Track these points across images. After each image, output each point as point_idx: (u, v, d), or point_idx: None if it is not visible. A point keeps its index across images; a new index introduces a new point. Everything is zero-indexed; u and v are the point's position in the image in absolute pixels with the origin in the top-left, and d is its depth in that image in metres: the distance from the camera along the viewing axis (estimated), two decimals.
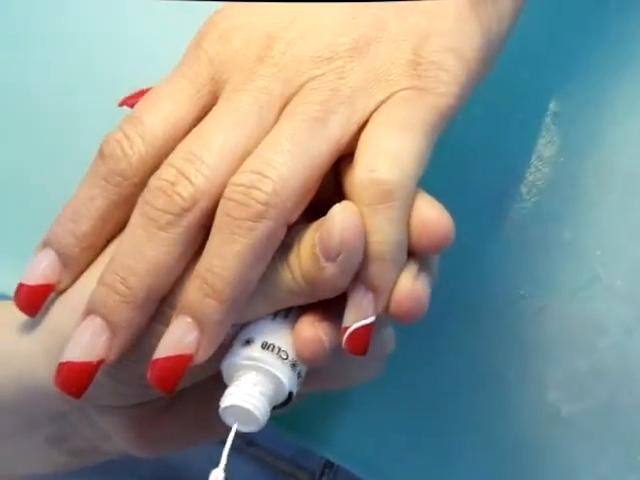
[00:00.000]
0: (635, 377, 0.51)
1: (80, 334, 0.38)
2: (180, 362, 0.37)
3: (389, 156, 0.37)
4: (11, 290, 0.41)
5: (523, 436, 0.51)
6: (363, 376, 0.44)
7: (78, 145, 0.51)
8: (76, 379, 0.38)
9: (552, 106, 0.53)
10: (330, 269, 0.37)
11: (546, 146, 0.53)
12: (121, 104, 0.43)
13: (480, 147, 0.52)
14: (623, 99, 0.53)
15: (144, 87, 0.43)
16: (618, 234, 0.52)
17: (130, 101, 0.43)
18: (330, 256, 0.37)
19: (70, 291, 0.41)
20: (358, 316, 0.38)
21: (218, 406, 0.38)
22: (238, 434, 0.39)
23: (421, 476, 0.52)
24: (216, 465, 0.38)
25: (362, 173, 0.37)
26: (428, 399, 0.52)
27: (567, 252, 0.52)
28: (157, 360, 0.37)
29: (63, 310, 0.41)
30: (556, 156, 0.53)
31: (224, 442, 0.39)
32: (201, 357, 0.38)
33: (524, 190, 0.53)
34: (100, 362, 0.38)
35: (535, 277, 0.52)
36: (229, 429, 0.39)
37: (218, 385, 0.40)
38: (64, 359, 0.38)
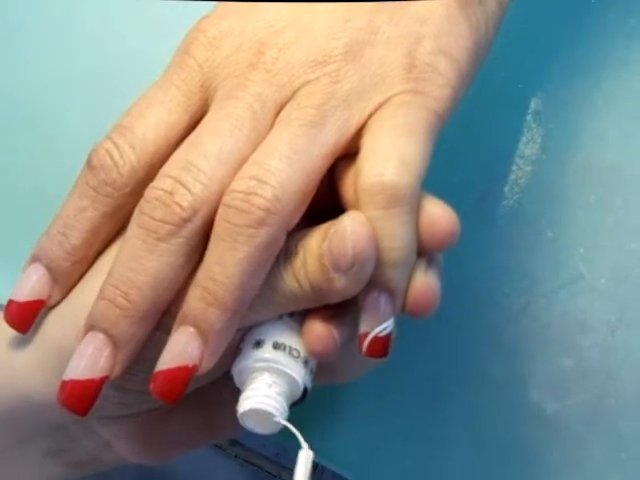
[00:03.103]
0: (618, 375, 0.51)
1: (82, 351, 0.37)
2: (184, 373, 0.37)
3: (396, 160, 0.37)
4: (5, 300, 0.40)
5: (508, 435, 0.51)
6: (366, 367, 0.44)
7: (71, 151, 0.50)
8: (81, 397, 0.37)
9: (533, 105, 0.54)
10: (341, 280, 0.37)
11: (527, 145, 0.53)
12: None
13: (462, 146, 0.52)
14: (603, 97, 0.53)
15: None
16: (600, 232, 0.52)
17: None
18: (341, 269, 0.36)
19: (64, 304, 0.40)
20: (377, 321, 0.38)
21: (224, 407, 0.38)
22: None
23: (407, 476, 0.52)
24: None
25: (370, 177, 0.37)
26: (414, 400, 0.52)
27: (550, 250, 0.52)
28: (160, 372, 0.37)
29: (58, 323, 0.40)
30: (537, 154, 0.53)
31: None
32: (205, 367, 0.37)
33: (506, 189, 0.53)
34: (104, 378, 0.37)
35: (518, 276, 0.52)
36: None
37: (221, 387, 0.40)
38: (67, 377, 0.37)
